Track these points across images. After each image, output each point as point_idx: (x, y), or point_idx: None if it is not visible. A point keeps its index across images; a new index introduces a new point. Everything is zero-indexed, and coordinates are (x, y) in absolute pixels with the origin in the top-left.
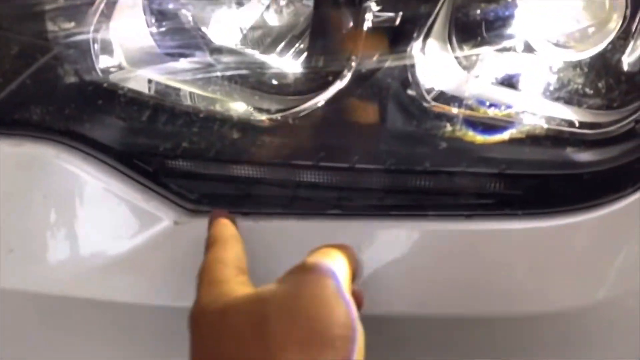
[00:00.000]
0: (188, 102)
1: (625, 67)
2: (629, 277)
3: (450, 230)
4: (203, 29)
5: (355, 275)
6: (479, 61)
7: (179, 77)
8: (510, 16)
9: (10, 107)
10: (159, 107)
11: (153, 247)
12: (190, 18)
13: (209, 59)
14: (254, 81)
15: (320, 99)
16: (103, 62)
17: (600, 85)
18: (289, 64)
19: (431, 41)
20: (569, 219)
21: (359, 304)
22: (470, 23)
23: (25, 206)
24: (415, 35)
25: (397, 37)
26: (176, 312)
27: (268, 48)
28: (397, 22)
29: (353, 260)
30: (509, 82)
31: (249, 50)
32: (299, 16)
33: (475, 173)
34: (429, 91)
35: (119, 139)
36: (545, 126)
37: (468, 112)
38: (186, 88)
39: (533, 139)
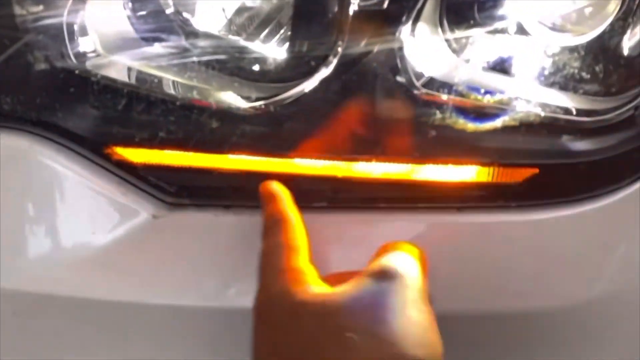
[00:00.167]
0: (171, 90)
1: (625, 51)
2: (628, 272)
3: (441, 223)
4: (185, 14)
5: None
6: (470, 44)
7: (153, 62)
8: None
9: None
10: (134, 95)
11: (131, 242)
12: (170, 1)
13: (184, 43)
14: (232, 67)
15: (305, 87)
16: (77, 47)
17: (597, 69)
18: (270, 49)
19: (421, 25)
20: (564, 211)
21: None
22: (463, 5)
23: None
24: (404, 18)
25: (385, 21)
26: (155, 309)
27: (252, 34)
28: (385, 4)
29: (424, 261)
30: (501, 67)
31: (227, 35)
32: (285, 0)
33: (466, 163)
34: (418, 77)
35: (94, 129)
36: (540, 113)
37: (458, 98)
38: (161, 74)
39: (527, 127)
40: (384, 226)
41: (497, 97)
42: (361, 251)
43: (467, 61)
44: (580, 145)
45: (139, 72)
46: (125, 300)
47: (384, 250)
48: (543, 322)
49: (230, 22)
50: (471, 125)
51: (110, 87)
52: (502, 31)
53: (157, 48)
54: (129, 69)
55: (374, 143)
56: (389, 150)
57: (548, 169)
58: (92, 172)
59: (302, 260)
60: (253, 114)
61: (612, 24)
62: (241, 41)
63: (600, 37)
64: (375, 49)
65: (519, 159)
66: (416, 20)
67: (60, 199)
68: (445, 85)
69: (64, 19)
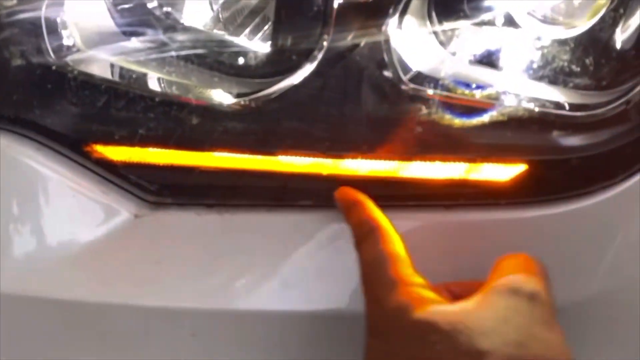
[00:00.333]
0: (155, 86)
1: (618, 45)
2: (622, 271)
3: (429, 221)
4: (169, 7)
5: None
6: (458, 37)
7: (131, 57)
8: None
9: None
10: (112, 91)
11: (112, 242)
12: None
13: (162, 37)
14: (212, 61)
15: (289, 82)
16: (56, 42)
17: (587, 62)
18: (255, 44)
19: (409, 17)
20: (555, 208)
21: None
22: None
23: None
24: (391, 11)
25: (372, 14)
26: (137, 310)
27: (239, 28)
28: None
29: (547, 275)
30: (490, 60)
31: (212, 29)
32: None
33: (454, 160)
34: (406, 71)
35: (73, 126)
36: (529, 108)
37: (445, 93)
38: (143, 70)
39: (516, 122)
40: None
41: (486, 91)
42: (346, 251)
43: (456, 54)
44: (572, 140)
45: (122, 68)
46: (106, 302)
47: (505, 263)
48: None
49: (217, 16)
50: (460, 121)
51: (88, 83)
52: (491, 23)
53: (137, 42)
54: (112, 65)
55: (360, 140)
56: (375, 147)
57: (538, 165)
58: (72, 170)
59: (410, 270)
60: (235, 110)
61: (603, 17)
62: (225, 35)
63: (591, 30)
64: (362, 42)
65: (508, 155)
66: (403, 12)
67: (39, 199)
68: (433, 80)
69: (43, 13)
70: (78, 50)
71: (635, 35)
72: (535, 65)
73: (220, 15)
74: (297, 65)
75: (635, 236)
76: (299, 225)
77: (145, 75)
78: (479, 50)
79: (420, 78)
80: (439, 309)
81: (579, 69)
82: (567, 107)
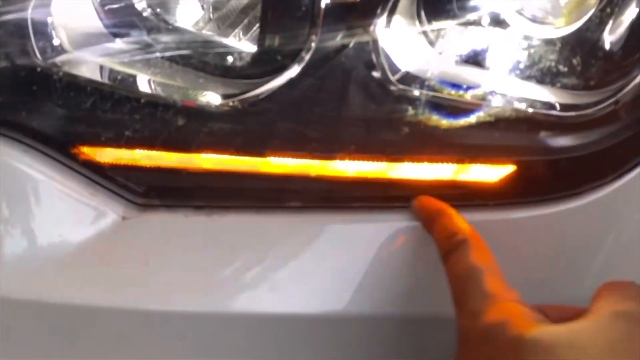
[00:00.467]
0: (144, 88)
1: (607, 45)
2: (613, 272)
3: (417, 223)
4: (158, 9)
5: None
6: (447, 37)
7: (116, 59)
8: None
9: None
10: (97, 93)
11: (100, 244)
12: None
13: (146, 38)
14: (197, 62)
15: (275, 83)
16: (42, 44)
17: (576, 62)
18: (243, 44)
19: (397, 17)
20: (544, 209)
21: None
22: None
23: None
24: (379, 11)
25: (359, 14)
26: (124, 313)
27: (228, 29)
28: None
29: None
30: (479, 60)
31: (196, 29)
32: None
33: (442, 161)
34: (394, 72)
35: (59, 128)
36: (517, 108)
37: (433, 93)
38: (131, 71)
39: (504, 122)
40: (360, 227)
41: (475, 91)
42: (336, 253)
43: (444, 54)
44: (560, 141)
45: (110, 70)
46: (94, 305)
47: (611, 288)
48: None
49: (208, 16)
50: (448, 121)
51: (73, 85)
52: (480, 23)
53: (122, 44)
54: (101, 67)
55: (348, 141)
56: (363, 148)
57: (527, 165)
58: (60, 172)
59: (505, 284)
60: (222, 112)
61: (592, 17)
62: (213, 36)
63: (580, 30)
64: (350, 43)
65: (497, 156)
66: (392, 12)
67: (27, 201)
68: (422, 80)
69: (29, 14)
70: (64, 52)
71: (623, 35)
72: (523, 65)
73: (211, 15)
74: (285, 66)
75: (626, 236)
76: (287, 226)
77: (131, 76)
78: (468, 50)
79: (408, 78)
80: (546, 329)
81: (567, 69)
82: (557, 107)
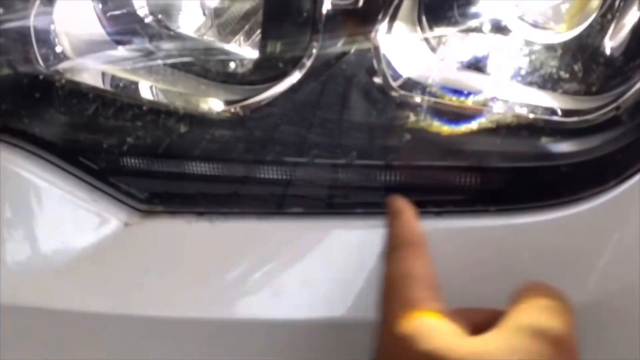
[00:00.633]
0: (146, 95)
1: (607, 50)
2: (615, 277)
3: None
4: (160, 15)
5: None
6: (449, 43)
7: (119, 66)
8: None
9: None
10: (100, 100)
11: (102, 251)
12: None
13: (148, 45)
14: (198, 69)
15: (276, 90)
16: (45, 51)
17: (577, 68)
18: (243, 49)
19: (398, 24)
20: (545, 215)
21: None
22: (442, 2)
23: None
24: (380, 17)
25: (361, 20)
26: (127, 320)
27: (229, 35)
28: (360, 3)
29: (572, 313)
30: (481, 66)
31: (193, 36)
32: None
33: (443, 167)
34: (395, 78)
35: (62, 135)
36: (519, 114)
37: (435, 99)
38: (133, 78)
39: (505, 129)
40: (363, 232)
41: (477, 97)
42: (334, 259)
43: (446, 60)
44: (562, 146)
45: (113, 77)
46: (96, 311)
47: (526, 295)
48: None
49: (210, 22)
50: (450, 128)
51: (75, 92)
52: (482, 29)
53: (124, 51)
54: (104, 74)
55: (350, 146)
56: (365, 154)
57: (529, 171)
58: (62, 179)
59: (429, 293)
60: (224, 118)
61: (593, 22)
62: (215, 42)
63: (581, 35)
64: (351, 49)
65: (497, 162)
66: (393, 18)
67: (30, 208)
68: (423, 86)
69: (31, 21)
70: (67, 59)
71: (625, 40)
72: (524, 71)
73: (212, 22)
74: (286, 72)
75: (628, 242)
76: (290, 233)
77: (133, 83)
78: (469, 56)
79: (410, 84)
80: (449, 343)
81: (568, 75)
82: (559, 112)
